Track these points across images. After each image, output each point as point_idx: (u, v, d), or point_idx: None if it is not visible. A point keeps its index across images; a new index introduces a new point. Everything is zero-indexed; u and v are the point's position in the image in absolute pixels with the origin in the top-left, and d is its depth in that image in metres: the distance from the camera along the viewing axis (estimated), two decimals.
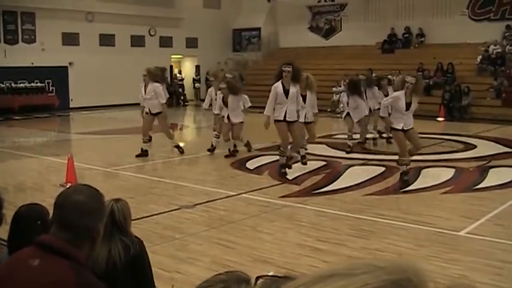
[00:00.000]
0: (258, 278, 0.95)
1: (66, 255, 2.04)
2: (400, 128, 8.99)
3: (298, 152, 10.53)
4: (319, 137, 12.28)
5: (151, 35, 26.24)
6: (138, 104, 14.41)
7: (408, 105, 8.89)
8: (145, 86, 11.56)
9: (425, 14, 23.83)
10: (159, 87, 11.58)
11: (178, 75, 27.11)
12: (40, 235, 2.20)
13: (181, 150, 11.88)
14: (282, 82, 9.45)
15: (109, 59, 23.71)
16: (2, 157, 12.08)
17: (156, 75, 11.70)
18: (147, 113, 11.64)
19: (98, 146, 12.20)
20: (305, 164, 10.49)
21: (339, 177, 9.53)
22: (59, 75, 22.74)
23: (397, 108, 9.02)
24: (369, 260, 0.70)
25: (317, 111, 10.98)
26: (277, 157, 9.93)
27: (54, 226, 2.14)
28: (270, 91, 9.58)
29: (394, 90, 9.95)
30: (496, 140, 13.66)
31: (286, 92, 9.41)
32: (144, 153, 11.63)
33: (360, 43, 25.02)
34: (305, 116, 10.32)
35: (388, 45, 24.69)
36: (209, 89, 13.21)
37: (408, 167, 9.24)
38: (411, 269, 0.69)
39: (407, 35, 24.55)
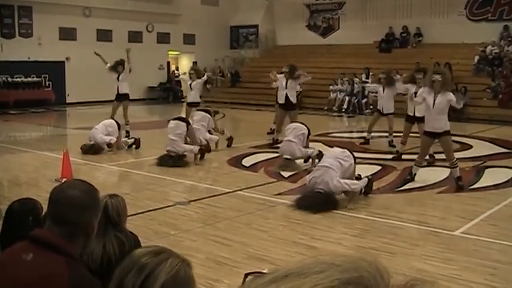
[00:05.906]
0: (246, 275, 0.94)
1: (59, 250, 2.04)
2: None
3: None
4: (316, 135, 12.36)
5: (148, 31, 26.17)
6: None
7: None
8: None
9: (423, 13, 23.83)
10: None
11: (176, 71, 27.02)
12: (33, 230, 2.20)
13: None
14: None
15: (106, 55, 23.51)
16: None
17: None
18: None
19: None
20: None
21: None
22: (55, 70, 22.64)
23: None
24: (327, 257, 0.68)
25: None
26: (273, 155, 9.88)
27: (48, 221, 2.13)
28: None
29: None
30: (492, 141, 13.68)
31: None
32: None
33: (358, 42, 24.96)
34: None
35: (386, 44, 24.65)
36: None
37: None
38: (368, 266, 0.67)
39: (404, 34, 24.54)
